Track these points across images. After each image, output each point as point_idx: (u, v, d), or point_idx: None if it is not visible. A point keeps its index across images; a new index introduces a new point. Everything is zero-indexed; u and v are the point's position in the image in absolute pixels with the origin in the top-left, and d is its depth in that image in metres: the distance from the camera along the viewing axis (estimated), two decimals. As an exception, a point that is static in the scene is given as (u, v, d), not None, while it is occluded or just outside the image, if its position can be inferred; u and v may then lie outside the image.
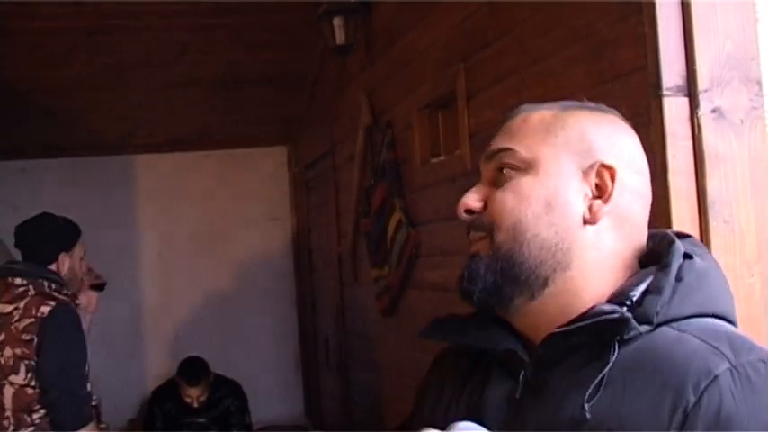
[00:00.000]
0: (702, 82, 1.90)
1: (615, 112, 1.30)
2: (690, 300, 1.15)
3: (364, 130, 4.52)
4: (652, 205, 1.27)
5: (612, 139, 1.24)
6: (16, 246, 3.74)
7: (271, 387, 6.72)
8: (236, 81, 5.94)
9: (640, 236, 1.25)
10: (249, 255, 6.91)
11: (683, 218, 1.88)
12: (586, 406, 1.09)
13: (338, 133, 5.36)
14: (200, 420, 6.01)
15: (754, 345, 1.11)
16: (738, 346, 1.09)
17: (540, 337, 1.19)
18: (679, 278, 1.16)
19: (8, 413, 3.47)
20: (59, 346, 3.46)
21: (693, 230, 1.89)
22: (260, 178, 6.92)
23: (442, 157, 3.60)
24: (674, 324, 1.13)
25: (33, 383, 3.45)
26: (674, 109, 1.90)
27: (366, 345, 4.89)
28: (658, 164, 1.91)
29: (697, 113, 1.89)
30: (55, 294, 3.56)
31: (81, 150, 6.42)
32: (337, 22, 4.46)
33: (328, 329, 6.01)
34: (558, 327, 1.15)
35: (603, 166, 1.21)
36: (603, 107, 1.30)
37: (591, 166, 1.21)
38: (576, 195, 1.21)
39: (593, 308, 1.15)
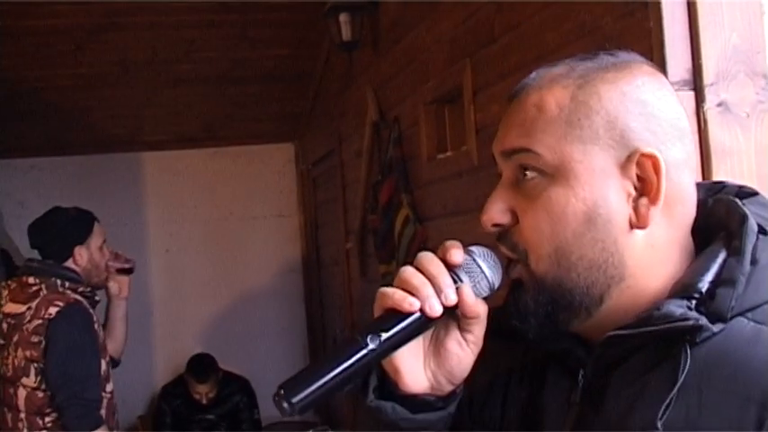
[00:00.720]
0: (708, 76, 1.90)
1: (636, 57, 1.11)
2: (767, 283, 1.01)
3: (371, 127, 4.52)
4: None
5: (646, 111, 1.05)
6: (31, 246, 3.69)
7: (279, 383, 6.72)
8: (242, 78, 5.95)
9: (692, 206, 1.09)
10: (257, 251, 6.92)
11: (689, 212, 1.88)
12: (659, 423, 0.96)
13: (345, 129, 5.36)
14: (209, 417, 6.02)
15: None
16: None
17: (600, 337, 1.05)
18: (753, 261, 1.01)
19: (22, 415, 3.45)
20: (64, 350, 3.41)
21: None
22: (267, 175, 6.93)
23: (448, 153, 3.60)
24: (750, 314, 1.00)
25: (43, 386, 3.42)
26: (680, 103, 1.90)
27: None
28: (665, 158, 1.91)
29: (703, 107, 1.89)
30: (68, 293, 3.50)
31: (88, 148, 6.44)
32: (344, 18, 4.46)
33: (336, 326, 6.01)
34: (620, 328, 1.02)
35: (644, 155, 1.03)
36: (623, 57, 1.10)
37: (629, 158, 1.03)
38: (619, 198, 1.04)
39: (658, 307, 1.00)
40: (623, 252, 1.04)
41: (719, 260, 1.02)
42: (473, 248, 1.09)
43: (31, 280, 3.53)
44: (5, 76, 5.42)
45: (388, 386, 1.08)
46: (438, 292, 1.04)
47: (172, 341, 6.69)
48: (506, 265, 1.10)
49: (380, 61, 4.45)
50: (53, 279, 3.52)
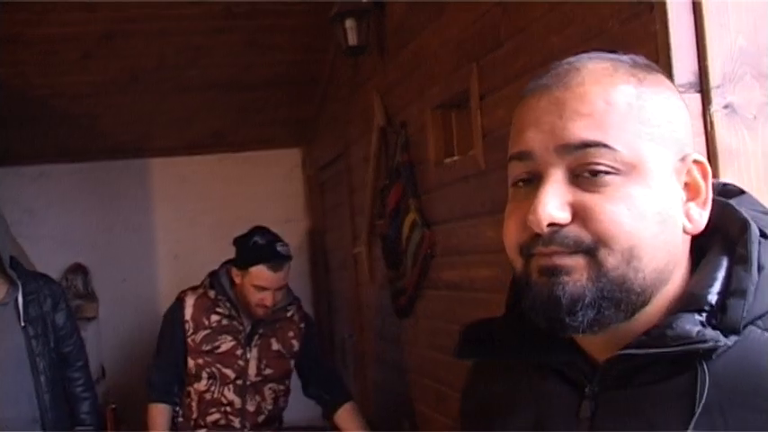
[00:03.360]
0: (715, 78, 1.90)
1: (656, 66, 1.08)
2: None
3: (378, 131, 4.53)
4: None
5: (684, 117, 1.04)
6: None
7: (288, 388, 6.74)
8: (249, 84, 5.96)
9: None
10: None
11: (697, 214, 1.88)
12: None
13: (352, 134, 5.37)
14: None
15: None
16: None
17: (603, 350, 1.03)
18: (759, 267, 0.98)
19: None
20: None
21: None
22: (275, 180, 6.93)
23: (455, 157, 3.60)
24: (760, 321, 0.97)
25: None
26: (687, 105, 1.90)
27: (383, 345, 4.90)
28: (671, 160, 1.91)
29: (710, 110, 1.89)
30: (194, 291, 4.11)
31: (97, 155, 6.44)
32: (349, 23, 4.46)
33: (345, 330, 6.02)
34: (632, 346, 0.99)
35: (695, 161, 1.03)
36: (646, 62, 1.08)
37: (682, 162, 1.02)
38: (677, 201, 1.01)
39: (670, 323, 0.97)
40: (678, 255, 1.02)
41: (724, 269, 1.00)
42: None
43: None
44: (14, 83, 5.44)
45: None
46: None
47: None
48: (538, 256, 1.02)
49: (387, 66, 4.46)
50: (205, 280, 4.12)
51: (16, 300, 4.00)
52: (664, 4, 1.92)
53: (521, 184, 1.04)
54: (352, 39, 4.49)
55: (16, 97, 5.54)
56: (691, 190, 1.02)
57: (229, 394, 3.96)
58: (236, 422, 3.98)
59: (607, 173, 0.98)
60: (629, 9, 2.11)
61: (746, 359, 0.95)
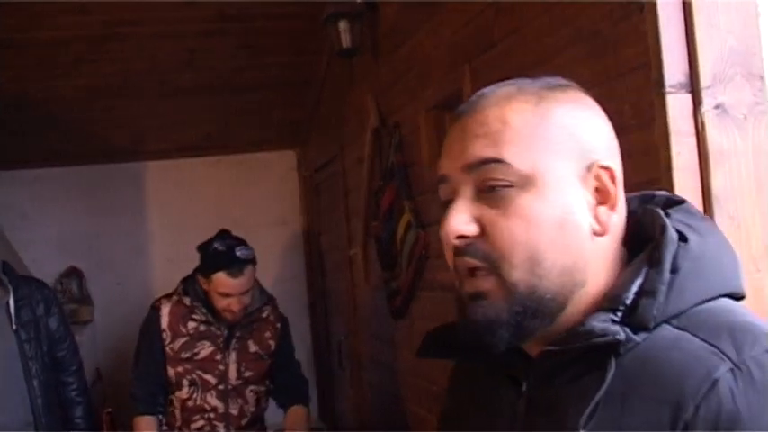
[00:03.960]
0: (705, 78, 1.91)
1: (574, 84, 1.17)
2: (689, 290, 1.05)
3: (372, 133, 4.53)
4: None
5: (593, 127, 1.12)
6: None
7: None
8: (243, 86, 5.96)
9: (624, 217, 1.15)
10: (260, 259, 6.86)
11: (688, 214, 1.89)
12: (581, 428, 1.02)
13: (346, 136, 5.37)
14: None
15: (759, 333, 1.01)
16: (740, 339, 0.99)
17: (536, 349, 1.12)
18: (674, 269, 1.05)
19: None
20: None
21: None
22: (269, 182, 6.93)
23: (449, 159, 3.60)
24: (675, 321, 1.04)
25: None
26: (678, 106, 1.91)
27: (379, 346, 4.90)
28: (663, 161, 1.92)
29: (700, 110, 1.90)
30: (167, 299, 4.06)
31: (90, 158, 6.44)
32: (343, 25, 4.46)
33: (341, 332, 6.02)
34: (551, 343, 1.07)
35: (602, 167, 1.10)
36: (562, 82, 1.17)
37: (588, 169, 1.10)
38: (581, 206, 1.09)
39: (583, 323, 1.05)
40: (587, 257, 1.09)
41: (644, 272, 1.07)
42: None
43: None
44: (7, 88, 5.44)
45: None
46: None
47: (176, 350, 6.68)
48: (465, 277, 1.12)
49: (380, 68, 4.46)
50: (179, 286, 4.06)
51: (8, 303, 4.00)
52: (654, 5, 1.93)
53: (448, 204, 1.15)
54: (346, 40, 4.50)
55: (9, 102, 5.54)
56: (601, 194, 1.11)
57: (212, 400, 3.96)
58: (221, 427, 3.98)
59: (504, 186, 1.08)
60: (621, 10, 2.11)
61: (652, 352, 1.02)
